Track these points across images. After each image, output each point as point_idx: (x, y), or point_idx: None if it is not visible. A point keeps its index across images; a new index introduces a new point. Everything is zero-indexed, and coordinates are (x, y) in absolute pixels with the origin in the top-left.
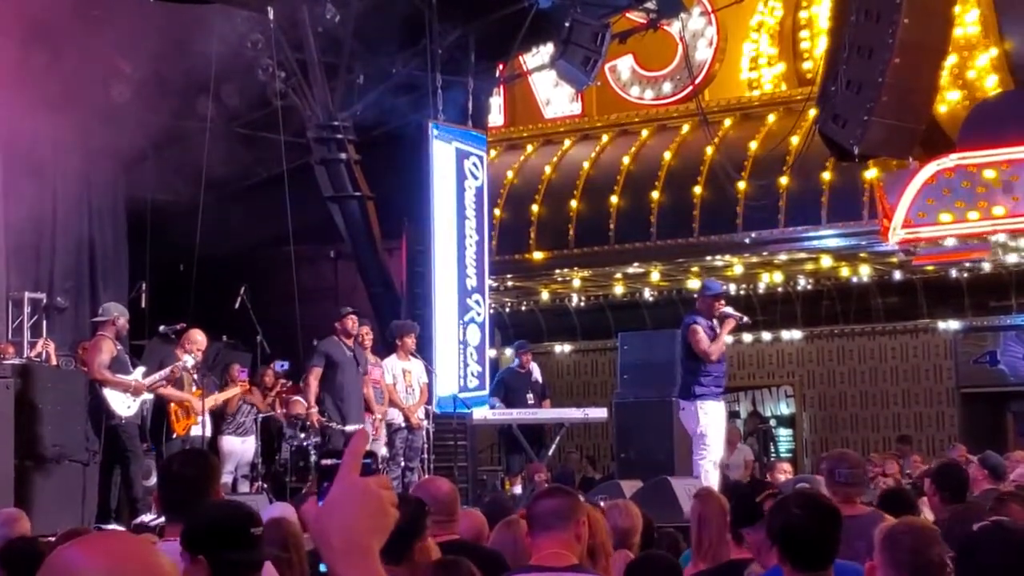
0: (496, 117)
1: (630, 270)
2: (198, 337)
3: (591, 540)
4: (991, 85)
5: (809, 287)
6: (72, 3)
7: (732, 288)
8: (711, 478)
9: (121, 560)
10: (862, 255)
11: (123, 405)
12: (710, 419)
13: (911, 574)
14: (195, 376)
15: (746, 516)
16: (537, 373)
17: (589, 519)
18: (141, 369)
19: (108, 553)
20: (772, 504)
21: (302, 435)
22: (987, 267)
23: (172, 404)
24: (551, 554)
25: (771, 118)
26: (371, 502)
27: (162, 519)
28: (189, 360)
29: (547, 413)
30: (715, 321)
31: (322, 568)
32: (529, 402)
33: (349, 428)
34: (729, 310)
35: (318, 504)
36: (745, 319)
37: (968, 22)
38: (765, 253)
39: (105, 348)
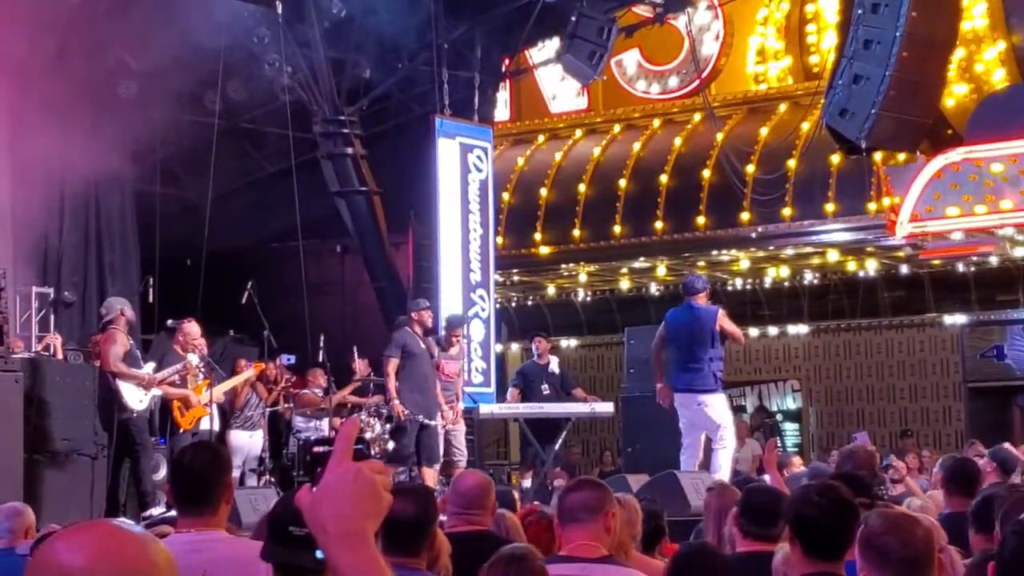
0: (502, 112)
1: (636, 265)
2: (192, 329)
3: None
4: (999, 79)
5: (815, 281)
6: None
7: (739, 283)
8: (727, 471)
9: (105, 553)
10: (869, 249)
11: (135, 399)
12: (728, 407)
13: (906, 565)
14: (201, 369)
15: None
16: (555, 364)
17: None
18: (151, 364)
19: (91, 546)
20: (794, 490)
21: (387, 425)
22: (994, 261)
23: (174, 401)
24: (581, 545)
25: (778, 112)
26: (364, 486)
27: (173, 512)
28: (194, 359)
29: (553, 407)
30: None
31: (318, 554)
32: (544, 393)
33: (429, 422)
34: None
35: (311, 490)
36: None
37: (976, 15)
38: (771, 247)
39: (119, 340)
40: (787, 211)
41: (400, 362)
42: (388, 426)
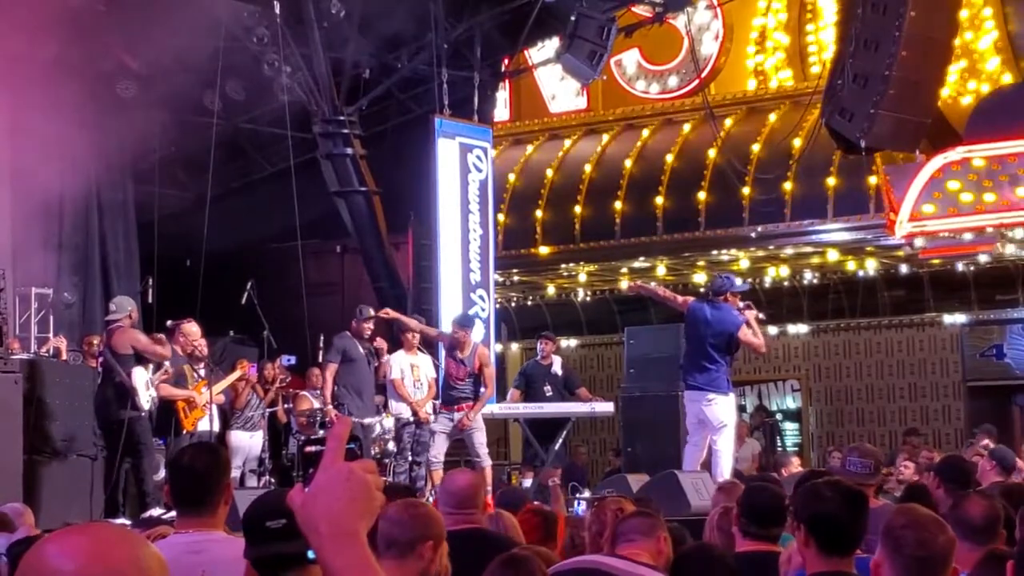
0: (502, 112)
1: (636, 264)
2: (192, 330)
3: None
4: (998, 77)
5: (815, 281)
6: (79, 0)
7: (738, 282)
8: (728, 470)
9: (96, 557)
10: (868, 249)
11: (145, 397)
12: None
13: (918, 564)
14: (200, 370)
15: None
16: (558, 365)
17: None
18: (148, 368)
19: (83, 550)
20: (801, 489)
21: (321, 431)
22: (993, 260)
23: (178, 402)
24: (632, 552)
25: (777, 112)
26: (356, 486)
27: (172, 513)
28: (167, 363)
29: (552, 407)
30: None
31: (310, 555)
32: (547, 394)
33: (367, 421)
34: (749, 306)
35: (303, 490)
36: (760, 315)
37: (974, 11)
38: (771, 247)
39: (141, 334)
40: (786, 210)
41: (340, 367)
42: (322, 432)
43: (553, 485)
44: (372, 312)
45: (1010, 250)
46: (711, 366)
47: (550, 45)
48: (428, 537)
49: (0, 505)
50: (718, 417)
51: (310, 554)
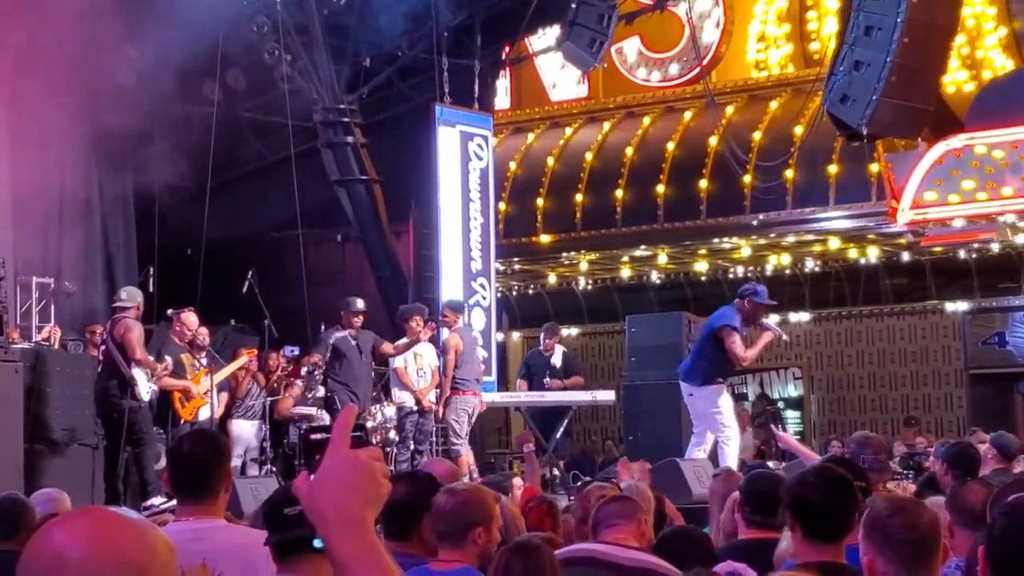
0: (502, 100)
1: (637, 253)
2: (190, 319)
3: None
4: (1000, 65)
5: (817, 269)
6: None
7: (740, 271)
8: (734, 461)
9: (103, 541)
10: (870, 236)
11: (145, 389)
12: (725, 403)
13: (912, 548)
14: (202, 360)
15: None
16: (558, 356)
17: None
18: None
19: (89, 535)
20: (790, 476)
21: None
22: (995, 248)
23: (175, 392)
24: (615, 539)
25: (778, 100)
26: (363, 473)
27: (173, 502)
28: (168, 358)
29: (554, 396)
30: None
31: (316, 543)
32: (545, 384)
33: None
34: (770, 323)
35: (309, 478)
36: (784, 337)
37: (977, 1)
38: (773, 235)
39: (138, 329)
40: (788, 198)
41: (330, 363)
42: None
43: (528, 452)
44: (361, 304)
45: (1020, 239)
46: (694, 359)
47: (551, 33)
48: (477, 523)
49: (36, 493)
50: (698, 410)
51: (316, 542)
